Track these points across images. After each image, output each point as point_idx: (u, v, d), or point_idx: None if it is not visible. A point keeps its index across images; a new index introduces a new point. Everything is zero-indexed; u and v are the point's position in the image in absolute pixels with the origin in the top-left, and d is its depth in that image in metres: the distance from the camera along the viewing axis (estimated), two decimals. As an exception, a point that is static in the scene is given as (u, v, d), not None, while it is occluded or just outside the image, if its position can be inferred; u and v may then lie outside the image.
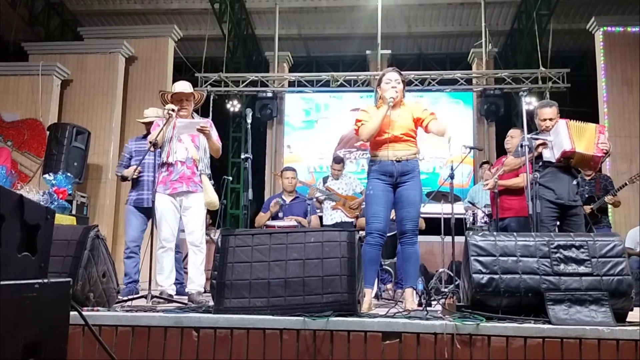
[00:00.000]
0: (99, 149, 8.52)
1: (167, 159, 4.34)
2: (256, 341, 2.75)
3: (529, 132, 4.35)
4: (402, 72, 4.02)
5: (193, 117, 4.49)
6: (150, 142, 4.17)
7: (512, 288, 2.85)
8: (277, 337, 2.75)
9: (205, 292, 4.42)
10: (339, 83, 10.22)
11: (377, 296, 4.84)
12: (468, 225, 6.11)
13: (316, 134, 10.72)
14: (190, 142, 4.40)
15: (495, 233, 3.17)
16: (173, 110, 4.18)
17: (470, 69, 10.78)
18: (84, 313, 2.54)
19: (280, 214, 5.88)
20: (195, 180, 4.35)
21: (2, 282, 1.57)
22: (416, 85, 9.92)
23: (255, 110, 10.07)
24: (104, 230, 7.50)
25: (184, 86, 4.49)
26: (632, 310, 2.92)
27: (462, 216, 6.23)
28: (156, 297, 3.96)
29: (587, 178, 6.08)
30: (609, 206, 6.18)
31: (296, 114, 10.86)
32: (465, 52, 11.19)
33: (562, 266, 2.88)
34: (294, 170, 6.27)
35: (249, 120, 4.51)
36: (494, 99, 10.02)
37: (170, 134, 4.33)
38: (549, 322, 2.71)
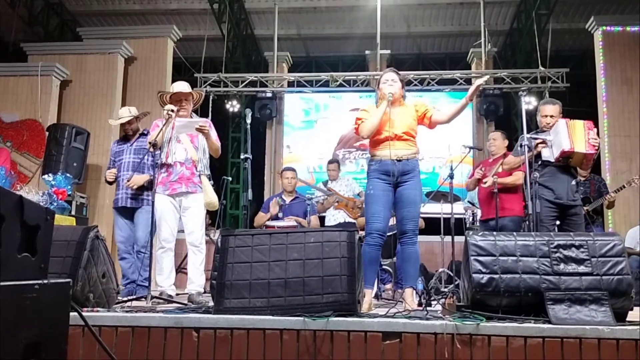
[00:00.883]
0: (99, 150, 8.51)
1: (166, 160, 4.35)
2: (256, 341, 2.75)
3: (528, 132, 4.35)
4: (402, 72, 4.04)
5: (192, 117, 4.50)
6: (150, 143, 4.17)
7: (512, 288, 2.85)
8: (277, 338, 2.75)
9: (205, 292, 4.42)
10: (338, 83, 10.22)
11: (377, 296, 4.84)
12: (468, 225, 6.11)
13: (316, 134, 10.72)
14: (189, 142, 4.41)
15: (495, 233, 3.16)
16: (172, 110, 4.18)
17: (470, 68, 10.78)
18: (84, 314, 2.53)
19: (280, 214, 5.88)
20: (194, 180, 4.36)
21: (2, 283, 1.57)
22: (415, 85, 9.92)
23: (254, 110, 10.06)
24: (103, 230, 7.49)
25: (182, 86, 4.49)
26: (632, 309, 2.92)
27: (461, 216, 6.23)
28: (156, 297, 3.97)
29: (582, 179, 6.09)
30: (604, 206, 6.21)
31: (295, 114, 10.85)
32: (465, 51, 11.19)
33: (562, 266, 2.88)
34: (293, 170, 6.27)
35: (249, 121, 4.51)
36: (493, 98, 10.02)
37: (170, 134, 4.33)
38: (549, 322, 2.71)
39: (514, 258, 2.92)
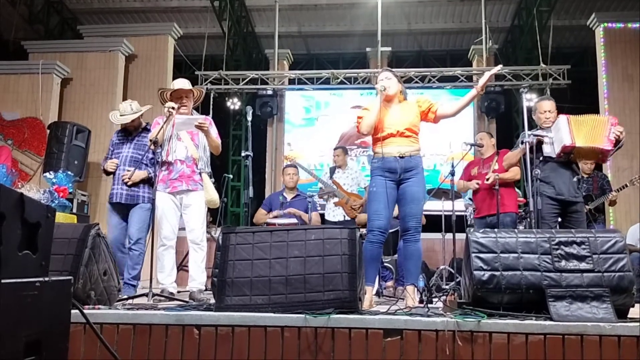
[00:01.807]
0: (100, 147, 8.50)
1: (167, 158, 4.35)
2: (257, 339, 2.75)
3: (529, 129, 4.34)
4: (403, 70, 4.07)
5: (192, 115, 4.50)
6: (151, 140, 4.17)
7: (513, 285, 2.85)
8: (279, 335, 2.75)
9: (206, 290, 4.43)
10: (339, 80, 10.21)
11: (378, 293, 4.84)
12: (469, 222, 6.11)
13: (316, 131, 10.71)
14: (190, 140, 4.41)
15: (496, 230, 3.16)
16: (173, 108, 4.18)
17: (471, 65, 10.76)
18: (85, 311, 2.54)
19: (282, 211, 5.88)
20: (195, 178, 4.37)
21: (3, 281, 1.57)
22: (416, 82, 9.89)
23: (255, 108, 10.06)
24: (104, 228, 7.50)
25: (183, 83, 4.50)
26: (633, 306, 2.92)
27: (463, 213, 6.23)
28: (157, 295, 3.97)
29: (585, 176, 6.08)
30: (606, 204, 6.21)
31: (296, 111, 10.85)
32: (466, 49, 11.17)
33: (563, 263, 2.88)
34: (295, 167, 6.26)
35: (249, 118, 4.50)
36: (494, 95, 10.00)
37: (170, 132, 4.34)
38: (551, 319, 2.71)
39: (515, 255, 2.92)
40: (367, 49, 11.09)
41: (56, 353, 1.88)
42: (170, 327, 2.82)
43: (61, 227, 3.21)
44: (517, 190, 5.79)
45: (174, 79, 5.92)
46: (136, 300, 3.83)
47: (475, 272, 2.89)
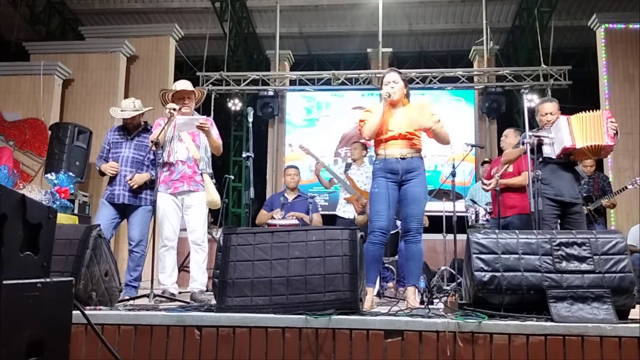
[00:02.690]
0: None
1: (168, 159, 4.36)
2: (258, 339, 2.76)
3: (530, 130, 4.34)
4: (403, 70, 4.04)
5: (193, 116, 4.50)
6: (152, 141, 4.18)
7: (514, 286, 2.85)
8: (280, 336, 2.75)
9: (207, 290, 4.43)
10: (340, 81, 10.21)
11: (379, 294, 4.84)
12: (470, 223, 6.11)
13: (317, 132, 10.71)
14: (191, 141, 4.42)
15: (497, 231, 3.16)
16: (174, 109, 4.19)
17: (472, 66, 10.76)
18: (87, 312, 2.54)
19: (283, 212, 5.88)
20: (196, 179, 4.37)
21: (4, 282, 1.57)
22: (417, 83, 9.90)
23: (256, 108, 10.06)
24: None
25: (184, 85, 4.50)
26: (634, 307, 2.91)
27: (464, 214, 6.23)
28: (158, 295, 3.97)
29: (586, 177, 6.07)
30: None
31: (297, 112, 10.85)
32: (467, 49, 11.17)
33: (564, 264, 2.88)
34: (296, 168, 6.27)
35: (250, 119, 4.51)
36: (495, 96, 9.99)
37: (171, 133, 4.34)
38: (551, 320, 2.71)
39: (516, 256, 2.92)
40: (368, 50, 11.10)
41: (58, 354, 1.88)
42: (172, 327, 2.82)
43: (62, 228, 3.21)
44: None
45: (175, 80, 5.94)
46: (137, 301, 3.84)
47: (476, 273, 2.89)
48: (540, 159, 4.39)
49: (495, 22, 10.98)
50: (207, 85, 10.11)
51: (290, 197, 6.07)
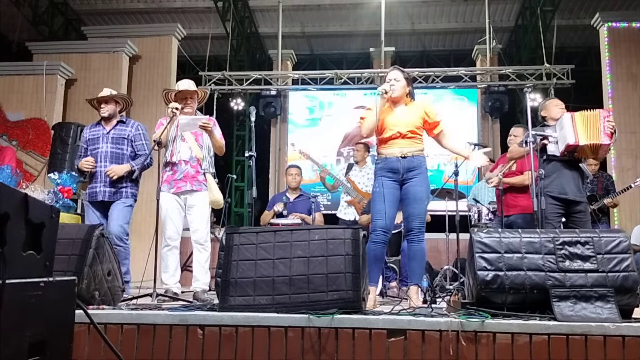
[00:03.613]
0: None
1: (171, 159, 4.37)
2: (261, 339, 2.76)
3: (532, 129, 4.32)
4: (406, 70, 4.02)
5: (196, 115, 4.51)
6: (155, 141, 4.18)
7: (517, 285, 2.84)
8: (282, 335, 2.75)
9: (210, 290, 4.43)
10: (342, 81, 10.21)
11: (382, 294, 4.84)
12: (473, 223, 6.10)
13: (320, 131, 10.71)
14: (194, 141, 4.42)
15: (500, 230, 3.16)
16: (177, 108, 4.20)
17: (474, 65, 10.75)
18: (89, 311, 2.54)
19: (285, 212, 5.88)
20: (199, 179, 4.37)
21: (7, 281, 1.58)
22: (420, 82, 9.89)
23: (259, 108, 10.06)
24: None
25: (187, 84, 4.51)
26: (637, 306, 2.91)
27: (466, 213, 6.22)
28: (161, 295, 3.98)
29: (590, 176, 6.06)
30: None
31: (300, 111, 10.85)
32: (469, 48, 11.16)
33: (567, 263, 2.87)
34: (298, 167, 6.28)
35: (253, 119, 4.51)
36: (498, 95, 9.97)
37: (174, 133, 4.35)
38: (555, 319, 2.70)
39: (519, 255, 2.91)
40: (371, 49, 11.09)
41: (60, 353, 1.88)
42: (174, 327, 2.83)
43: (65, 228, 3.22)
44: None
45: (177, 79, 5.94)
46: (140, 301, 3.84)
47: (479, 272, 2.88)
48: (545, 157, 4.38)
49: (497, 21, 10.96)
50: (210, 85, 10.12)
51: (292, 196, 6.07)
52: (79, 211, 7.02)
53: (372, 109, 3.89)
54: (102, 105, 4.65)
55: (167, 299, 3.99)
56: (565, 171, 4.37)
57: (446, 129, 3.96)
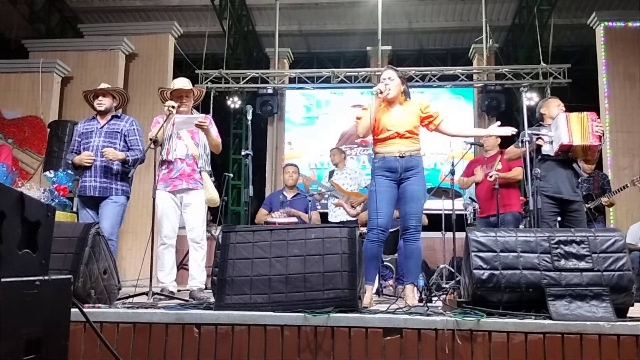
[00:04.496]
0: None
1: (167, 157, 4.36)
2: (257, 337, 2.76)
3: (529, 127, 4.33)
4: (403, 68, 4.04)
5: (192, 114, 4.50)
6: (151, 139, 4.18)
7: (512, 284, 2.85)
8: (278, 333, 2.75)
9: (206, 288, 4.43)
10: (339, 79, 10.20)
11: (378, 292, 4.84)
12: (469, 221, 6.11)
13: (317, 130, 10.71)
14: (190, 139, 4.41)
15: (495, 229, 3.16)
16: (173, 107, 4.19)
17: (471, 64, 10.76)
18: (85, 310, 2.54)
19: (282, 210, 5.89)
20: (195, 177, 4.37)
21: (3, 279, 1.57)
22: (417, 81, 9.89)
23: (255, 106, 10.06)
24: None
25: (183, 82, 4.50)
26: (632, 305, 2.92)
27: (462, 212, 6.23)
28: (157, 293, 3.98)
29: (586, 175, 6.07)
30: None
31: (297, 110, 10.84)
32: (466, 47, 11.16)
33: (562, 262, 2.88)
34: (295, 166, 6.28)
35: (250, 117, 4.50)
36: (494, 94, 9.98)
37: (170, 131, 4.34)
38: (550, 318, 2.71)
39: (515, 254, 2.92)
40: (368, 48, 11.09)
41: (56, 352, 1.88)
42: (170, 325, 2.83)
43: (61, 226, 3.21)
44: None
45: (174, 77, 5.93)
46: (136, 299, 3.84)
47: (474, 271, 2.89)
48: (539, 156, 4.39)
49: (494, 20, 10.96)
50: (207, 83, 10.10)
51: (289, 195, 6.07)
52: (74, 209, 7.01)
53: (368, 108, 3.89)
54: (100, 98, 4.56)
55: (163, 297, 3.98)
56: (560, 170, 4.39)
57: (447, 118, 3.98)
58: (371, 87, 9.90)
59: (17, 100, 8.60)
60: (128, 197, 4.57)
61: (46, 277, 1.83)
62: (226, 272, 2.96)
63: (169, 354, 2.79)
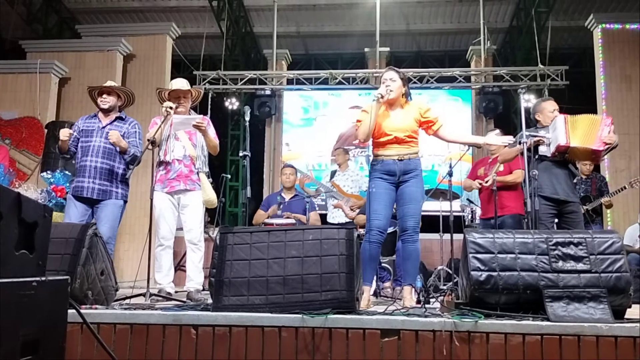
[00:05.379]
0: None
1: (165, 158, 4.35)
2: (255, 339, 2.75)
3: (526, 129, 4.34)
4: (401, 70, 4.01)
5: (190, 115, 4.50)
6: (149, 140, 4.17)
7: (510, 285, 2.85)
8: (276, 335, 2.75)
9: (203, 290, 4.42)
10: (337, 81, 10.20)
11: (376, 294, 4.84)
12: (466, 223, 6.12)
13: (315, 131, 10.71)
14: (188, 140, 4.41)
15: (493, 230, 3.16)
16: (171, 107, 4.18)
17: (469, 66, 10.78)
18: (82, 311, 2.53)
19: (279, 212, 5.88)
20: (192, 178, 4.36)
21: (0, 280, 1.57)
22: (415, 82, 9.90)
23: (253, 108, 10.06)
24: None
25: (181, 83, 4.50)
26: (630, 307, 2.91)
27: (460, 214, 6.24)
28: (155, 295, 3.97)
29: (584, 177, 6.08)
30: (604, 206, 6.21)
31: (295, 111, 10.85)
32: (464, 49, 11.18)
33: (560, 263, 2.88)
34: (293, 167, 6.27)
35: (248, 118, 4.49)
36: (492, 96, 10.01)
37: (168, 132, 4.33)
38: (548, 319, 2.71)
39: (513, 255, 2.92)
40: (366, 49, 11.10)
41: (53, 353, 1.88)
42: (168, 327, 2.82)
43: (58, 227, 3.21)
44: None
45: (172, 78, 5.92)
46: (133, 300, 3.83)
47: (472, 273, 2.89)
48: (536, 157, 4.39)
49: (492, 22, 10.99)
50: (204, 84, 10.10)
51: (287, 196, 6.06)
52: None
53: (368, 112, 3.86)
54: (104, 96, 4.50)
55: (160, 298, 3.97)
56: (556, 171, 4.38)
57: (445, 123, 3.98)
58: (369, 89, 10.02)
59: (14, 101, 8.59)
60: (126, 202, 4.52)
61: (43, 278, 1.82)
62: (224, 273, 2.96)
63: (166, 355, 2.79)
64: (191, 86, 4.58)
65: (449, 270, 5.75)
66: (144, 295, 3.82)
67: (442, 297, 3.77)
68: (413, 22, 11.34)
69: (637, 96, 8.49)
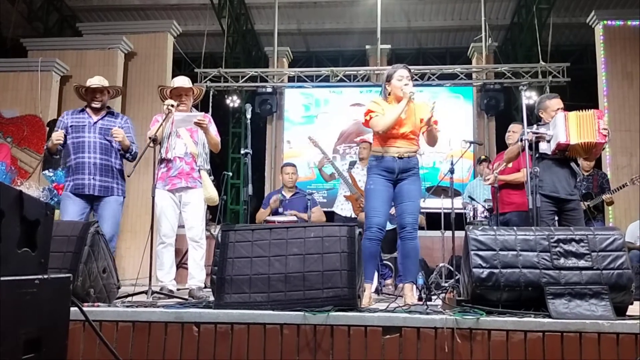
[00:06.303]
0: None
1: (166, 155, 4.35)
2: (256, 336, 2.76)
3: (528, 126, 4.33)
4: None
5: (191, 112, 4.50)
6: (150, 138, 4.17)
7: (512, 282, 2.85)
8: (278, 332, 2.75)
9: (205, 287, 4.43)
10: (338, 78, 10.19)
11: (377, 291, 4.85)
12: (468, 220, 6.12)
13: (316, 129, 10.67)
14: (189, 137, 4.41)
15: (495, 227, 3.17)
16: (172, 105, 4.18)
17: (470, 63, 10.75)
18: (85, 309, 2.54)
19: (281, 209, 5.88)
20: (194, 175, 4.36)
21: (2, 278, 1.57)
22: (416, 80, 9.87)
23: (254, 105, 10.04)
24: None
25: (182, 81, 4.50)
26: (632, 304, 2.92)
27: (462, 211, 6.24)
28: (157, 292, 3.98)
29: (585, 174, 6.07)
30: (605, 203, 6.20)
31: (296, 109, 10.83)
32: (465, 46, 11.16)
33: (562, 260, 2.88)
34: (294, 165, 6.26)
35: (249, 116, 4.50)
36: (493, 93, 9.99)
37: (169, 129, 4.34)
38: (549, 316, 2.71)
39: (514, 252, 2.92)
40: (367, 47, 11.08)
41: (55, 351, 1.88)
42: (170, 324, 2.82)
43: (60, 225, 3.21)
44: None
45: (173, 76, 5.93)
46: (135, 298, 3.84)
47: (474, 270, 2.89)
48: (537, 155, 4.39)
49: (493, 19, 10.97)
50: (205, 82, 10.09)
51: (288, 194, 6.06)
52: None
53: (379, 103, 3.87)
54: (97, 96, 4.48)
55: (162, 296, 3.98)
56: (556, 169, 4.38)
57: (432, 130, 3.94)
58: (370, 86, 10.00)
59: (15, 99, 8.59)
60: (124, 197, 4.56)
61: (45, 276, 1.83)
62: (225, 271, 2.96)
63: (168, 353, 2.79)
64: (193, 84, 4.58)
65: (450, 268, 5.75)
66: (146, 293, 3.83)
67: (443, 295, 3.78)
68: (414, 19, 11.31)
69: (639, 93, 8.46)
